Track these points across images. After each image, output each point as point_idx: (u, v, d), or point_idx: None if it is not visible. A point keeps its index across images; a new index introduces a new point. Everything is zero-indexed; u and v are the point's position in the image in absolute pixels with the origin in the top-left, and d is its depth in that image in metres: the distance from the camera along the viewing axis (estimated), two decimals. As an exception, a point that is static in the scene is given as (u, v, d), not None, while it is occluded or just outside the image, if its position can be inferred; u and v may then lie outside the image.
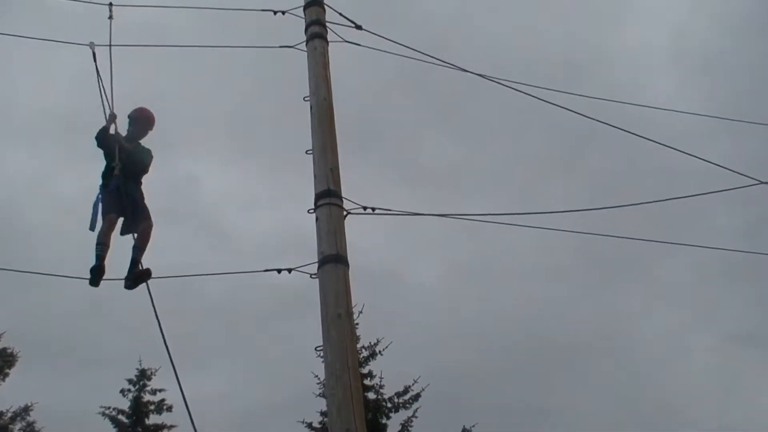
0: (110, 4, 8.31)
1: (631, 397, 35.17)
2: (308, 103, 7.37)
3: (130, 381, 24.55)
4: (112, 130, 8.08)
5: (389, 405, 21.50)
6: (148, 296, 7.49)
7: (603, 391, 35.90)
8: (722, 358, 41.96)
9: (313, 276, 6.44)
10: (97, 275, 7.52)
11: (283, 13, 8.26)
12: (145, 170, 8.34)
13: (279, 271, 7.18)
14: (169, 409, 24.31)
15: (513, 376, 34.17)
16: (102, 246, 7.61)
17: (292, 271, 7.00)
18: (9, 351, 23.41)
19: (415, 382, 21.73)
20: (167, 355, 7.11)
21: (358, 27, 8.29)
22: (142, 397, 24.33)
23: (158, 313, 7.40)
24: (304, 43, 7.79)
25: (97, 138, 8.08)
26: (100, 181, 8.09)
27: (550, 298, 41.65)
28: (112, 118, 8.02)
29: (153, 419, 24.26)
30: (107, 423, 23.77)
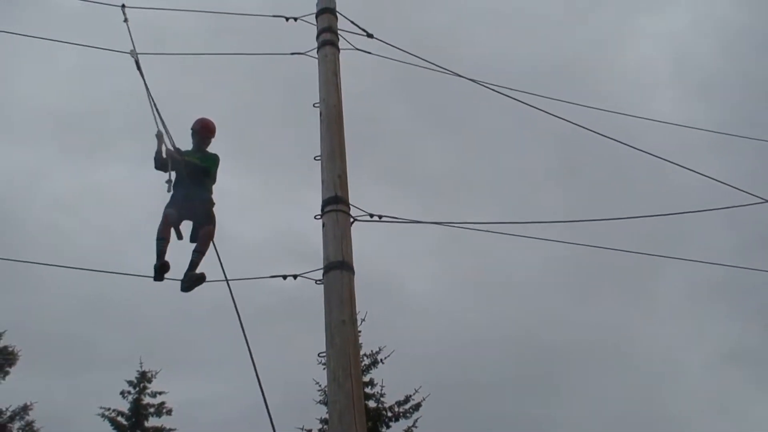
0: (123, 6, 8.18)
1: (628, 410, 35.12)
2: (318, 110, 7.39)
3: (130, 383, 24.54)
4: (164, 146, 8.12)
5: (390, 414, 21.47)
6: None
7: (601, 403, 35.85)
8: (716, 374, 41.90)
9: (318, 282, 6.44)
10: (160, 271, 7.69)
11: (296, 19, 8.29)
12: (209, 175, 8.43)
13: (285, 277, 7.19)
14: (169, 412, 24.31)
15: (512, 387, 34.15)
16: (162, 241, 7.79)
17: (298, 277, 7.01)
18: (10, 349, 23.41)
19: (416, 391, 21.72)
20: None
21: (370, 35, 8.30)
22: (142, 400, 24.31)
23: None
24: (316, 50, 7.81)
25: (155, 166, 8.21)
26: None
27: (548, 308, 41.67)
28: (159, 137, 8.05)
29: (152, 422, 24.24)
30: (106, 424, 23.78)
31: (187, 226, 8.24)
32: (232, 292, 7.01)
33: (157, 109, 7.81)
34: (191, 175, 8.20)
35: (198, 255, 7.96)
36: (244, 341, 6.57)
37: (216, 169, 8.54)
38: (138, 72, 7.85)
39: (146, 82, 7.78)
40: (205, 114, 8.78)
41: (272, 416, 6.20)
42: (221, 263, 7.33)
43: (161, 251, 7.74)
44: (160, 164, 8.16)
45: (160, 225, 7.88)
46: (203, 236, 8.04)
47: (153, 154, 8.18)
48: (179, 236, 8.08)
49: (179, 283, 7.87)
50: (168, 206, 8.03)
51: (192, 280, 7.85)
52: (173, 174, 7.99)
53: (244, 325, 6.72)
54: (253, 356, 6.46)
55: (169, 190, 7.95)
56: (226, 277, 7.09)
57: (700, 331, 44.69)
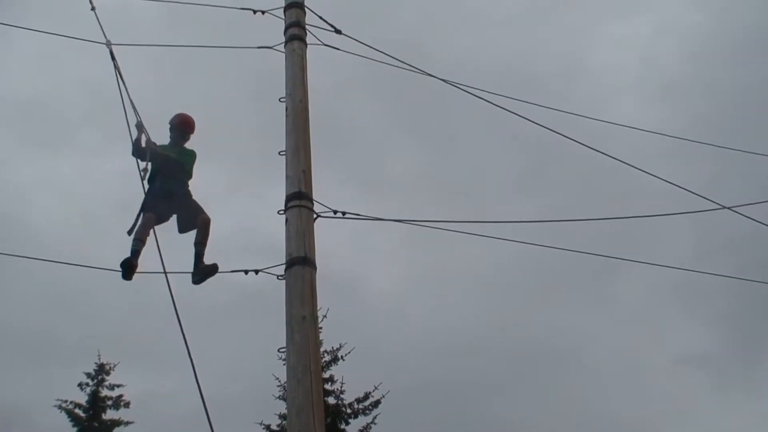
0: (90, -7, 7.99)
1: (586, 412, 35.47)
2: (283, 104, 7.36)
3: (88, 375, 24.30)
4: (143, 137, 8.02)
5: (349, 411, 21.49)
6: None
7: (559, 405, 36.17)
8: (675, 377, 42.48)
9: (280, 277, 6.42)
10: (128, 269, 7.55)
11: (263, 12, 8.24)
12: (185, 171, 8.38)
13: (246, 272, 7.17)
14: (127, 405, 24.13)
15: (471, 386, 34.32)
16: (138, 242, 7.67)
17: (259, 273, 6.99)
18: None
19: (376, 388, 21.77)
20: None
21: (338, 31, 8.29)
22: (100, 392, 24.08)
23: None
24: (283, 44, 7.77)
25: (132, 153, 8.08)
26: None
27: (510, 309, 41.98)
28: (139, 127, 7.95)
29: (110, 414, 24.03)
30: (64, 416, 23.53)
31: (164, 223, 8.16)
32: (170, 286, 6.87)
33: (131, 100, 7.71)
34: (167, 169, 8.15)
35: (201, 246, 7.92)
36: (183, 337, 6.46)
37: (192, 165, 8.48)
38: (112, 62, 7.72)
39: (121, 73, 7.67)
40: (171, 106, 8.70)
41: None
42: (161, 256, 7.18)
43: (136, 251, 7.65)
44: (139, 153, 8.06)
45: (140, 227, 7.76)
46: (202, 227, 7.97)
47: (132, 144, 8.07)
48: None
49: (189, 276, 7.83)
50: (147, 207, 7.91)
51: (204, 272, 7.81)
52: (150, 165, 7.92)
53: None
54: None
55: (143, 179, 7.89)
56: (165, 270, 6.97)
57: (659, 333, 45.28)
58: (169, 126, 8.66)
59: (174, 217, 8.25)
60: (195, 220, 8.09)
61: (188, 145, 8.67)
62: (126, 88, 7.66)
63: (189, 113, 8.75)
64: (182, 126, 8.65)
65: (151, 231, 7.76)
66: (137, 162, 8.01)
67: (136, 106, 7.76)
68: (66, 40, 8.20)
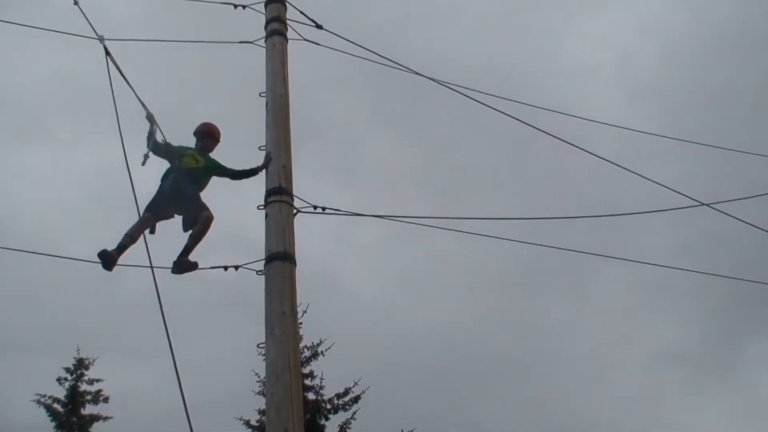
0: (72, -12, 7.87)
1: (557, 411, 35.65)
2: (264, 99, 7.35)
3: (67, 369, 24.14)
4: (157, 127, 7.94)
5: (328, 406, 21.46)
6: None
7: (534, 402, 36.31)
8: (648, 375, 42.75)
9: (259, 273, 6.42)
10: (106, 260, 7.43)
11: (244, 7, 8.23)
12: (207, 179, 8.25)
13: (225, 268, 7.16)
14: (106, 400, 23.96)
15: (449, 384, 34.40)
16: (128, 237, 7.58)
17: (239, 268, 6.98)
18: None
19: (356, 384, 21.75)
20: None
21: (319, 26, 8.28)
22: (79, 387, 23.92)
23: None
24: (264, 39, 7.76)
25: (147, 145, 7.99)
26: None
27: (488, 306, 42.08)
28: (151, 119, 7.87)
29: (89, 409, 23.87)
30: (42, 411, 23.36)
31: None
32: (156, 282, 6.83)
33: (135, 93, 7.63)
34: (194, 172, 8.06)
35: (194, 241, 7.83)
36: (166, 333, 6.41)
37: (210, 178, 8.33)
38: (106, 57, 7.56)
39: (119, 67, 7.56)
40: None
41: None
42: (148, 252, 7.15)
43: (122, 245, 7.54)
44: (155, 146, 7.97)
45: (136, 224, 7.65)
46: (202, 222, 7.88)
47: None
48: (152, 231, 7.96)
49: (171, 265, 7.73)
50: (150, 206, 7.85)
51: (184, 266, 7.75)
52: (150, 153, 7.86)
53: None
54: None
55: (143, 164, 7.81)
56: (151, 265, 6.93)
57: (636, 331, 45.57)
58: (194, 135, 8.54)
59: (176, 216, 8.19)
60: (198, 217, 8.05)
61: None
62: (128, 82, 7.56)
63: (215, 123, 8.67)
64: (210, 135, 8.50)
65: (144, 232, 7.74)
66: (144, 154, 7.93)
67: (117, 101, 7.68)
68: (40, 32, 8.12)
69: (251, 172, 7.73)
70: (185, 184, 8.02)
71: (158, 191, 7.97)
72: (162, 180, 8.07)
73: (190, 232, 7.95)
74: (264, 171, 7.27)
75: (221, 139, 8.55)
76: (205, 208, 7.99)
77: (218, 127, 8.61)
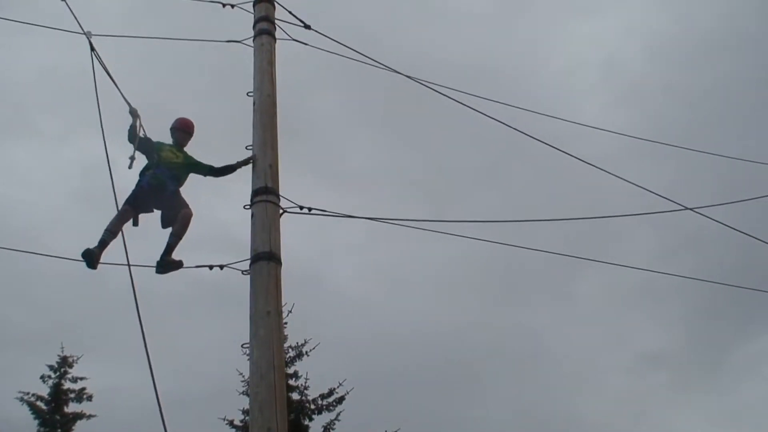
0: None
1: (545, 411, 35.74)
2: (251, 99, 7.34)
3: (51, 367, 24.02)
4: (139, 122, 7.90)
5: (313, 407, 21.43)
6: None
7: (518, 403, 36.43)
8: (632, 377, 42.94)
9: (245, 272, 6.41)
10: (90, 259, 7.45)
11: (232, 6, 8.22)
12: (185, 176, 8.23)
13: (211, 267, 7.15)
14: (90, 398, 23.87)
15: (434, 384, 34.43)
16: (108, 233, 7.59)
17: (224, 268, 6.98)
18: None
19: (340, 384, 21.74)
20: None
21: (307, 26, 8.28)
22: (63, 385, 23.82)
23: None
24: (252, 38, 7.74)
25: (129, 139, 7.97)
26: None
27: (472, 307, 42.15)
28: (134, 114, 7.83)
29: (72, 407, 23.78)
30: (25, 408, 23.24)
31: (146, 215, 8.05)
32: (133, 280, 6.80)
33: (119, 89, 7.60)
34: (174, 168, 8.07)
35: (175, 239, 7.85)
36: (141, 331, 6.39)
37: (188, 175, 8.31)
38: (91, 53, 7.56)
39: (103, 63, 7.55)
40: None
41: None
42: (126, 250, 7.11)
43: (103, 241, 7.56)
44: (137, 142, 7.93)
45: (115, 218, 7.67)
46: (181, 219, 7.89)
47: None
48: (135, 223, 7.93)
49: (155, 265, 7.74)
50: (129, 200, 7.84)
51: (168, 266, 7.77)
52: (136, 153, 7.84)
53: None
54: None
55: (130, 167, 7.78)
56: (128, 263, 6.91)
57: (620, 333, 45.76)
58: (170, 131, 8.52)
59: (155, 211, 8.17)
60: (177, 214, 8.03)
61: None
62: (112, 78, 7.53)
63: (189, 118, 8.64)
64: (184, 129, 8.50)
65: (124, 226, 7.70)
66: (131, 157, 7.89)
67: (103, 97, 7.65)
68: (26, 27, 8.07)
69: (228, 169, 7.77)
70: (166, 180, 8.02)
71: (137, 186, 7.97)
72: (140, 175, 8.05)
73: (170, 230, 7.95)
74: (241, 168, 7.29)
75: (194, 133, 8.56)
76: (184, 205, 7.99)
77: (192, 121, 8.61)
